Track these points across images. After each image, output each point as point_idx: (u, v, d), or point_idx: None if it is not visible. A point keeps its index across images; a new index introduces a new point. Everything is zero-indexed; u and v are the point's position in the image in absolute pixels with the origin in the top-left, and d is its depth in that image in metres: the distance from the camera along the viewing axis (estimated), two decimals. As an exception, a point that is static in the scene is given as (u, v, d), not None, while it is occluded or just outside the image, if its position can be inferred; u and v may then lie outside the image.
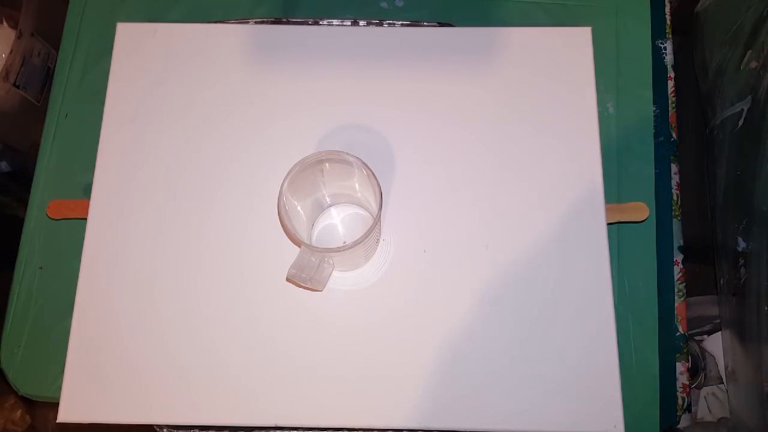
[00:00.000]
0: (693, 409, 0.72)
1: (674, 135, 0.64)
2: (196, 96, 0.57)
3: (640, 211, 0.55)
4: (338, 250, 0.43)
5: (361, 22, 0.61)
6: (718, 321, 0.71)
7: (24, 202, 0.61)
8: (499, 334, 0.51)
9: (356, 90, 0.57)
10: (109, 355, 0.51)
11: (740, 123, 0.65)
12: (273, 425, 0.49)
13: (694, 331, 0.77)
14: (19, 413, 0.82)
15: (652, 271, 0.58)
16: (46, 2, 0.88)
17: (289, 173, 0.43)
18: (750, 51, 0.65)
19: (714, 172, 0.69)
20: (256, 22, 0.61)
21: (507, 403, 0.50)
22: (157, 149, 0.56)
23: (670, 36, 0.66)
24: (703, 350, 0.74)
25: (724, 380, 0.71)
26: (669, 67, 0.65)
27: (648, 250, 0.58)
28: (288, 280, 0.50)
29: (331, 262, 0.47)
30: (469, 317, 0.51)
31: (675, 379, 0.58)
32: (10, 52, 0.82)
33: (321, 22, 0.61)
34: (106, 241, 0.54)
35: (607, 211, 0.53)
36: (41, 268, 0.59)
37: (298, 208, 0.48)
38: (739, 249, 0.63)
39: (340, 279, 0.52)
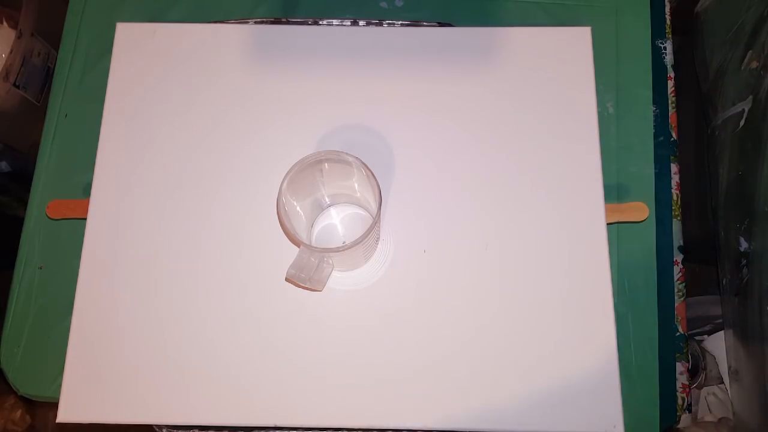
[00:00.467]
0: (693, 409, 0.72)
1: (674, 135, 0.64)
2: (195, 96, 0.57)
3: (640, 211, 0.55)
4: (338, 250, 0.43)
5: (361, 22, 0.61)
6: (719, 321, 0.71)
7: (24, 202, 0.61)
8: (499, 334, 0.51)
9: (356, 90, 0.57)
10: (108, 355, 0.51)
11: (741, 123, 0.65)
12: (273, 425, 0.49)
13: (694, 331, 0.77)
14: (19, 413, 0.82)
15: (652, 271, 0.58)
16: (46, 2, 0.88)
17: (288, 173, 0.43)
18: (751, 51, 0.65)
19: (715, 172, 0.69)
20: (255, 22, 0.61)
21: (507, 404, 0.49)
22: (157, 149, 0.56)
23: (670, 36, 0.66)
24: (703, 350, 0.74)
25: (725, 380, 0.71)
26: (669, 67, 0.65)
27: (648, 250, 0.58)
28: (287, 280, 0.50)
29: (330, 262, 0.47)
30: (468, 317, 0.51)
31: (675, 379, 0.58)
32: (10, 52, 0.82)
33: (321, 22, 0.61)
34: (105, 241, 0.53)
35: (607, 211, 0.53)
36: (41, 267, 0.59)
37: (298, 208, 0.48)
38: (741, 249, 0.63)
39: (340, 279, 0.52)
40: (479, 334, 0.51)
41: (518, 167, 0.55)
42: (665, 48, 0.65)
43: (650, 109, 0.61)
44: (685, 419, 0.58)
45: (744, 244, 0.63)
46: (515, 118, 0.56)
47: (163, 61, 0.58)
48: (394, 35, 0.59)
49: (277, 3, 0.65)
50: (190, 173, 0.55)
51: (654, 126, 0.61)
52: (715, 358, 0.73)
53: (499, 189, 0.54)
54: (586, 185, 0.54)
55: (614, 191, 0.59)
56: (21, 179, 0.87)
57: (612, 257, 0.53)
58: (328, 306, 0.52)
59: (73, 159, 0.61)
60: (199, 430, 0.51)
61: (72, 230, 0.58)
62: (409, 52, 0.58)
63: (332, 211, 0.54)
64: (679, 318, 0.59)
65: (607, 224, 0.53)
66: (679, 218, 0.62)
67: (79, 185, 0.60)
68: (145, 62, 0.58)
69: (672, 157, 0.63)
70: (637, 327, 0.57)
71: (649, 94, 0.61)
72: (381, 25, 0.61)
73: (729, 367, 0.67)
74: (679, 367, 0.59)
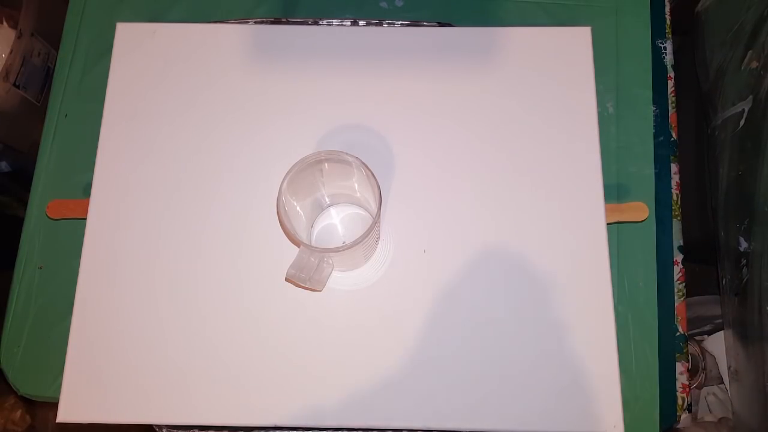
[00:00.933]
0: (693, 409, 0.72)
1: (674, 135, 0.64)
2: (195, 96, 0.57)
3: (640, 211, 0.55)
4: (337, 250, 0.43)
5: (361, 22, 0.61)
6: (719, 321, 0.71)
7: (24, 202, 0.61)
8: (499, 334, 0.51)
9: (356, 90, 0.57)
10: (108, 355, 0.51)
11: (741, 123, 0.65)
12: (273, 425, 0.49)
13: (694, 331, 0.77)
14: (18, 413, 0.82)
15: (652, 271, 0.58)
16: (46, 2, 0.88)
17: (288, 173, 0.43)
18: (751, 51, 0.65)
19: (715, 172, 0.69)
20: (255, 22, 0.61)
21: (507, 404, 0.49)
22: (157, 149, 0.56)
23: (670, 36, 0.66)
24: (703, 350, 0.74)
25: (725, 380, 0.71)
26: (669, 67, 0.65)
27: (648, 250, 0.58)
28: (287, 280, 0.50)
29: (330, 262, 0.47)
30: (468, 317, 0.51)
31: (675, 379, 0.58)
32: (10, 52, 0.82)
33: (321, 22, 0.61)
34: (105, 241, 0.53)
35: (607, 211, 0.53)
36: (41, 267, 0.59)
37: (298, 208, 0.48)
38: (741, 249, 0.63)
39: (340, 279, 0.52)
40: (479, 333, 0.51)
41: (518, 167, 0.54)
42: (665, 48, 0.65)
43: (650, 109, 0.61)
44: (685, 419, 0.58)
45: (744, 244, 0.63)
46: (515, 118, 0.56)
47: (163, 61, 0.58)
48: (394, 35, 0.59)
49: (277, 3, 0.65)
50: (190, 173, 0.55)
51: (654, 126, 0.61)
52: (715, 358, 0.73)
53: (499, 189, 0.54)
54: (586, 185, 0.54)
55: (614, 191, 0.59)
56: (21, 179, 0.87)
57: (612, 257, 0.53)
58: (328, 306, 0.52)
59: (73, 159, 0.61)
60: (199, 430, 0.51)
61: (72, 230, 0.58)
62: (409, 52, 0.58)
63: (332, 211, 0.54)
64: (679, 318, 0.59)
65: (607, 224, 0.53)
66: (679, 218, 0.62)
67: (79, 185, 0.60)
68: (145, 62, 0.58)
69: (672, 157, 0.63)
70: (637, 327, 0.57)
71: (649, 94, 0.61)
72: (381, 25, 0.61)
73: (729, 367, 0.67)
74: (679, 367, 0.59)
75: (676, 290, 0.60)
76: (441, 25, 0.61)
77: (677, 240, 0.61)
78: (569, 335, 0.51)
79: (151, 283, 0.53)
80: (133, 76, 0.57)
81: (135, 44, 0.58)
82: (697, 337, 0.76)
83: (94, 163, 0.55)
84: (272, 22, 0.61)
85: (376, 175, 0.43)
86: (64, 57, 0.64)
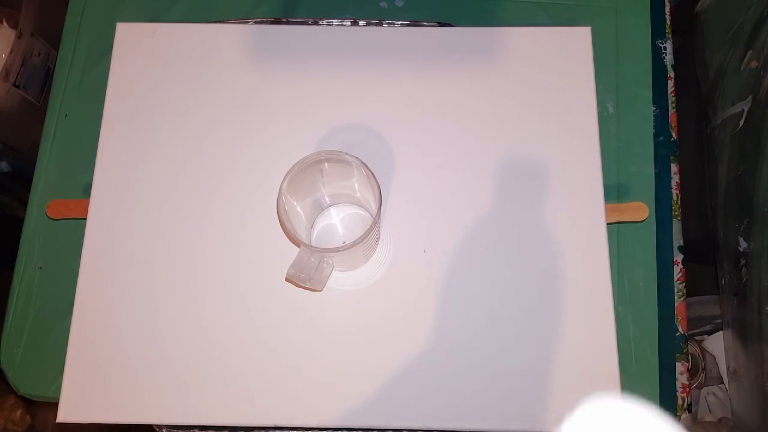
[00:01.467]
0: (693, 409, 0.72)
1: (674, 135, 0.64)
2: (195, 96, 0.57)
3: (640, 211, 0.55)
4: (338, 249, 0.43)
5: (361, 22, 0.61)
6: (719, 321, 0.71)
7: (24, 202, 0.61)
8: (499, 334, 0.51)
9: (356, 90, 0.57)
10: (108, 355, 0.51)
11: (741, 123, 0.64)
12: (272, 425, 0.49)
13: (694, 331, 0.77)
14: (19, 413, 0.82)
15: (652, 271, 0.58)
16: (46, 2, 0.88)
17: (288, 173, 0.43)
18: (750, 51, 0.65)
19: (714, 172, 0.69)
20: (255, 22, 0.61)
21: (506, 403, 0.49)
22: (157, 149, 0.56)
23: (670, 36, 0.66)
24: (703, 350, 0.74)
25: (725, 380, 0.71)
26: (669, 67, 0.65)
27: (648, 250, 0.58)
28: (287, 280, 0.50)
29: (330, 261, 0.47)
30: (468, 317, 0.51)
31: (675, 379, 0.58)
32: (10, 52, 0.82)
33: (321, 22, 0.61)
34: (105, 241, 0.53)
35: (607, 211, 0.53)
36: (41, 267, 0.59)
37: (298, 208, 0.48)
38: (740, 249, 0.63)
39: (340, 279, 0.52)
40: (479, 334, 0.51)
41: (518, 167, 0.54)
42: (665, 48, 0.65)
43: (650, 109, 0.61)
44: (685, 419, 0.58)
45: (743, 244, 0.63)
46: (515, 118, 0.56)
47: (163, 61, 0.58)
48: (394, 35, 0.59)
49: (277, 3, 0.65)
50: (190, 173, 0.55)
51: (654, 126, 0.61)
52: (715, 358, 0.73)
53: (499, 189, 0.54)
54: (587, 185, 0.54)
55: (614, 191, 0.59)
56: (21, 179, 0.87)
57: (612, 257, 0.53)
58: (327, 306, 0.52)
59: (73, 159, 0.61)
60: (199, 430, 0.51)
61: (72, 230, 0.58)
62: (409, 52, 0.58)
63: (332, 211, 0.54)
64: (679, 318, 0.59)
65: (607, 224, 0.53)
66: (679, 218, 0.62)
67: (79, 185, 0.60)
68: (145, 62, 0.58)
69: (672, 157, 0.63)
70: (637, 327, 0.57)
71: (649, 94, 0.61)
72: (381, 25, 0.61)
73: (728, 367, 0.67)
74: (679, 367, 0.59)
75: (676, 290, 0.60)
76: (441, 25, 0.61)
77: (677, 240, 0.61)
78: (569, 335, 0.51)
79: (151, 283, 0.53)
80: (133, 76, 0.57)
81: (135, 44, 0.58)
82: (697, 337, 0.76)
83: (94, 163, 0.55)
84: (272, 22, 0.61)
85: (376, 175, 0.43)
86: (64, 57, 0.64)
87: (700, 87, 0.75)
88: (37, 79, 0.87)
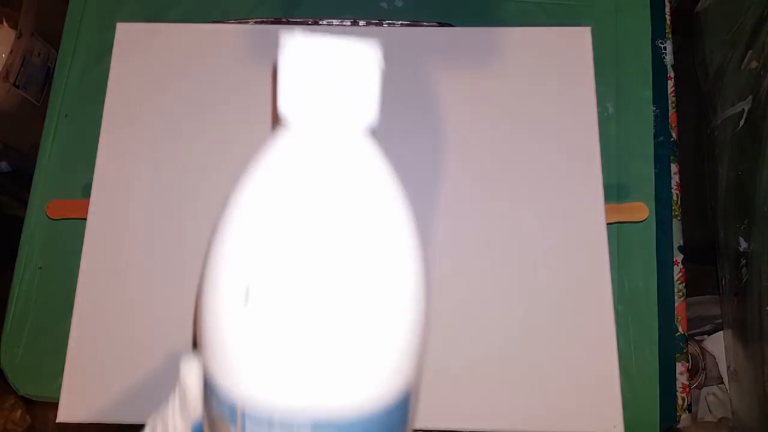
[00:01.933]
0: (693, 409, 0.72)
1: (674, 135, 0.63)
2: (196, 96, 0.57)
3: (640, 211, 0.55)
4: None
5: (361, 22, 0.60)
6: (719, 321, 0.71)
7: (24, 202, 0.61)
8: (498, 333, 0.51)
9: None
10: (109, 355, 0.51)
11: (741, 123, 0.64)
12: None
13: (694, 331, 0.77)
14: (19, 413, 0.82)
15: (652, 271, 0.57)
16: (46, 2, 0.88)
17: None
18: (750, 51, 0.65)
19: (715, 172, 0.68)
20: (256, 22, 0.61)
21: (506, 403, 0.49)
22: (157, 149, 0.56)
23: (670, 36, 0.66)
24: (703, 350, 0.74)
25: (725, 380, 0.70)
26: (669, 67, 0.65)
27: (648, 250, 0.58)
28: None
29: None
30: (466, 317, 0.51)
31: (675, 379, 0.58)
32: (10, 52, 0.82)
33: (321, 22, 0.61)
34: (105, 241, 0.53)
35: (607, 211, 0.53)
36: (41, 268, 0.58)
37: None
38: (741, 249, 0.63)
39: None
40: (477, 334, 0.51)
41: (517, 167, 0.54)
42: (665, 48, 0.65)
43: (650, 109, 0.61)
44: (685, 419, 0.58)
45: (743, 244, 0.63)
46: (514, 118, 0.55)
47: (164, 61, 0.58)
48: (395, 35, 0.58)
49: (277, 3, 0.65)
50: (191, 173, 0.55)
51: (654, 126, 0.61)
52: (715, 358, 0.72)
53: (499, 189, 0.54)
54: (586, 185, 0.53)
55: (614, 191, 0.58)
56: (21, 179, 0.87)
57: (612, 257, 0.53)
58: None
59: (73, 159, 0.61)
60: (199, 429, 0.51)
61: (72, 230, 0.58)
62: (409, 52, 0.57)
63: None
64: (679, 318, 0.59)
65: (607, 224, 0.53)
66: (679, 218, 0.62)
67: (79, 185, 0.60)
68: (145, 62, 0.58)
69: (672, 157, 0.63)
70: (636, 327, 0.56)
71: (649, 94, 0.61)
72: (381, 25, 0.61)
73: (728, 367, 0.67)
74: (679, 367, 0.58)
75: (676, 290, 0.60)
76: (441, 25, 0.61)
77: (677, 240, 0.61)
78: (569, 335, 0.51)
79: (151, 283, 0.52)
80: (133, 76, 0.57)
81: (135, 44, 0.58)
82: (697, 337, 0.76)
83: (94, 163, 0.55)
84: (272, 22, 0.61)
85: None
86: (64, 57, 0.64)
87: (700, 87, 0.75)
88: (37, 79, 0.87)
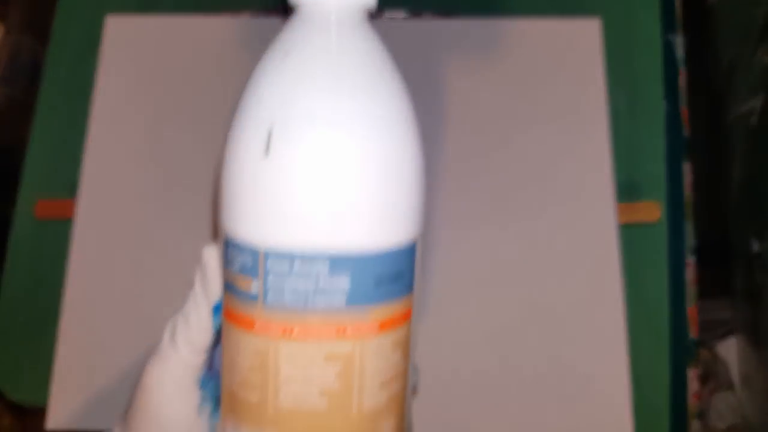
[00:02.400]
0: (704, 415, 0.72)
1: (686, 132, 0.62)
2: (189, 91, 0.56)
3: (652, 210, 0.55)
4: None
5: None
6: (731, 325, 0.70)
7: (11, 202, 0.60)
8: (503, 339, 0.50)
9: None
10: (99, 360, 0.50)
11: (754, 120, 0.64)
12: None
13: (705, 336, 0.76)
14: (7, 420, 0.80)
15: (663, 274, 0.56)
16: (36, -3, 0.87)
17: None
18: (763, 46, 0.64)
19: (727, 171, 0.68)
20: (251, 14, 0.60)
21: (513, 411, 0.49)
22: (148, 147, 0.55)
23: (682, 31, 0.65)
24: (715, 355, 0.73)
25: (737, 386, 0.70)
26: (680, 62, 0.64)
27: (659, 252, 0.57)
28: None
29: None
30: (470, 321, 0.50)
31: (686, 385, 0.57)
32: (-2, 48, 0.81)
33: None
34: (94, 241, 0.53)
35: (618, 211, 0.52)
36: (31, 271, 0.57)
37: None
38: (754, 251, 0.62)
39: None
40: (482, 338, 0.50)
41: (525, 165, 0.54)
42: (676, 43, 0.64)
43: (661, 106, 0.60)
44: (696, 426, 0.57)
45: (757, 246, 0.62)
46: (521, 114, 0.55)
47: (155, 55, 0.57)
48: (394, 27, 0.58)
49: (274, -5, 0.64)
50: (182, 172, 0.54)
51: (665, 123, 0.60)
52: (726, 364, 0.72)
53: (506, 188, 0.53)
54: (597, 184, 0.53)
55: (625, 190, 0.57)
56: (8, 178, 0.85)
57: (622, 259, 0.52)
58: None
59: (62, 157, 0.59)
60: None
61: (61, 230, 0.57)
62: (409, 45, 0.57)
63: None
64: (691, 322, 0.58)
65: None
66: (691, 219, 0.61)
67: (68, 184, 0.59)
68: (135, 56, 0.57)
69: (684, 156, 0.62)
70: (647, 331, 0.55)
71: (660, 90, 0.60)
72: (380, 17, 0.60)
73: (740, 373, 0.67)
74: (691, 373, 0.58)
75: (687, 293, 0.59)
76: (442, 16, 0.59)
77: (689, 241, 0.60)
78: (578, 339, 0.50)
79: (142, 284, 0.52)
80: (124, 71, 0.57)
81: (126, 38, 0.58)
82: (709, 342, 0.75)
83: (82, 161, 0.54)
84: (268, 14, 0.60)
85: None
86: (53, 53, 0.63)
87: (712, 83, 0.74)
88: (26, 75, 0.86)
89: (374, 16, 0.33)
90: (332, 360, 0.28)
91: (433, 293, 0.51)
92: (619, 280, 0.51)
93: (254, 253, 0.28)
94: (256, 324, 0.28)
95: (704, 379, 0.70)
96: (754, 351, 0.64)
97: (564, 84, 0.55)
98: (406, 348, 0.32)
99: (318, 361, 0.28)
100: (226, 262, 0.31)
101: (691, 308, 0.58)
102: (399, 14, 0.60)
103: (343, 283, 0.28)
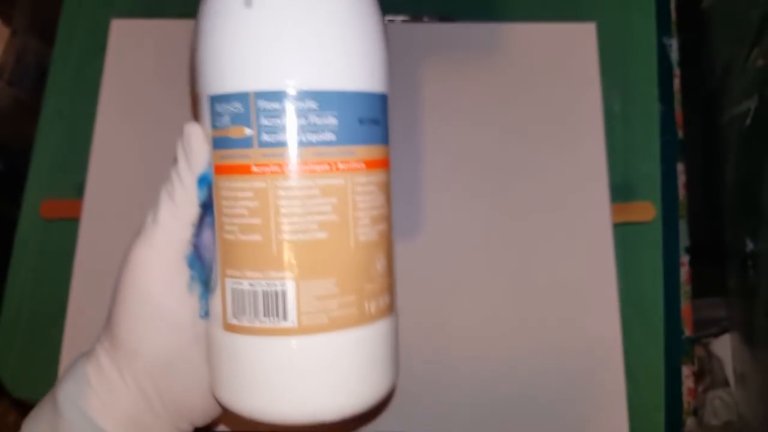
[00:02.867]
0: (699, 413, 0.72)
1: (680, 134, 0.63)
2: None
3: (646, 211, 0.55)
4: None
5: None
6: (725, 323, 0.70)
7: (17, 203, 0.60)
8: (500, 337, 0.50)
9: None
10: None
11: (748, 122, 0.64)
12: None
13: (700, 334, 0.76)
14: (12, 417, 0.81)
15: (658, 273, 0.57)
16: (41, -1, 0.87)
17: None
18: (757, 48, 0.65)
19: (721, 172, 0.68)
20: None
21: (509, 411, 0.49)
22: (153, 148, 0.55)
23: (676, 33, 0.65)
24: (709, 353, 0.73)
25: (732, 384, 0.70)
26: (675, 64, 0.64)
27: (653, 251, 0.57)
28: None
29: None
30: (468, 320, 0.50)
31: (681, 383, 0.58)
32: (4, 50, 0.81)
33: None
34: (100, 241, 0.53)
35: (612, 211, 0.53)
36: (35, 269, 0.58)
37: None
38: (748, 250, 0.62)
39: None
40: (478, 337, 0.50)
41: (521, 167, 0.54)
42: (671, 45, 0.64)
43: (656, 108, 0.60)
44: (690, 423, 0.57)
45: (750, 245, 0.62)
46: (517, 117, 0.55)
47: (160, 58, 0.57)
48: (394, 30, 0.58)
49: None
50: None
51: (660, 125, 0.61)
52: (721, 361, 0.72)
53: (502, 189, 0.53)
54: (592, 185, 0.53)
55: (619, 191, 0.58)
56: (14, 179, 0.86)
57: (617, 258, 0.52)
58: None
59: (68, 158, 0.60)
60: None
61: (66, 231, 0.57)
62: (409, 48, 0.57)
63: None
64: (685, 320, 0.58)
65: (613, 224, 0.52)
66: (685, 219, 0.61)
67: (74, 185, 0.59)
68: (141, 59, 0.57)
69: (678, 156, 0.62)
70: (642, 330, 0.56)
71: (655, 92, 0.60)
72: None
73: (734, 371, 0.67)
74: (685, 370, 0.58)
75: (682, 292, 0.59)
76: (442, 20, 0.60)
77: (683, 241, 0.60)
78: (573, 338, 0.50)
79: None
80: (129, 73, 0.57)
81: (131, 41, 0.58)
82: (704, 340, 0.75)
83: (88, 162, 0.54)
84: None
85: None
86: (59, 54, 0.63)
87: (707, 85, 0.75)
88: (32, 77, 0.86)
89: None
90: (328, 193, 0.30)
91: (428, 292, 0.51)
92: (613, 280, 0.51)
93: (244, 98, 0.30)
94: (253, 167, 0.30)
95: (699, 376, 0.70)
96: (748, 349, 0.64)
97: (560, 86, 0.56)
98: (388, 193, 0.35)
99: (315, 195, 0.30)
100: (214, 121, 0.32)
101: (686, 307, 0.59)
102: (399, 18, 0.60)
103: (331, 119, 0.31)
